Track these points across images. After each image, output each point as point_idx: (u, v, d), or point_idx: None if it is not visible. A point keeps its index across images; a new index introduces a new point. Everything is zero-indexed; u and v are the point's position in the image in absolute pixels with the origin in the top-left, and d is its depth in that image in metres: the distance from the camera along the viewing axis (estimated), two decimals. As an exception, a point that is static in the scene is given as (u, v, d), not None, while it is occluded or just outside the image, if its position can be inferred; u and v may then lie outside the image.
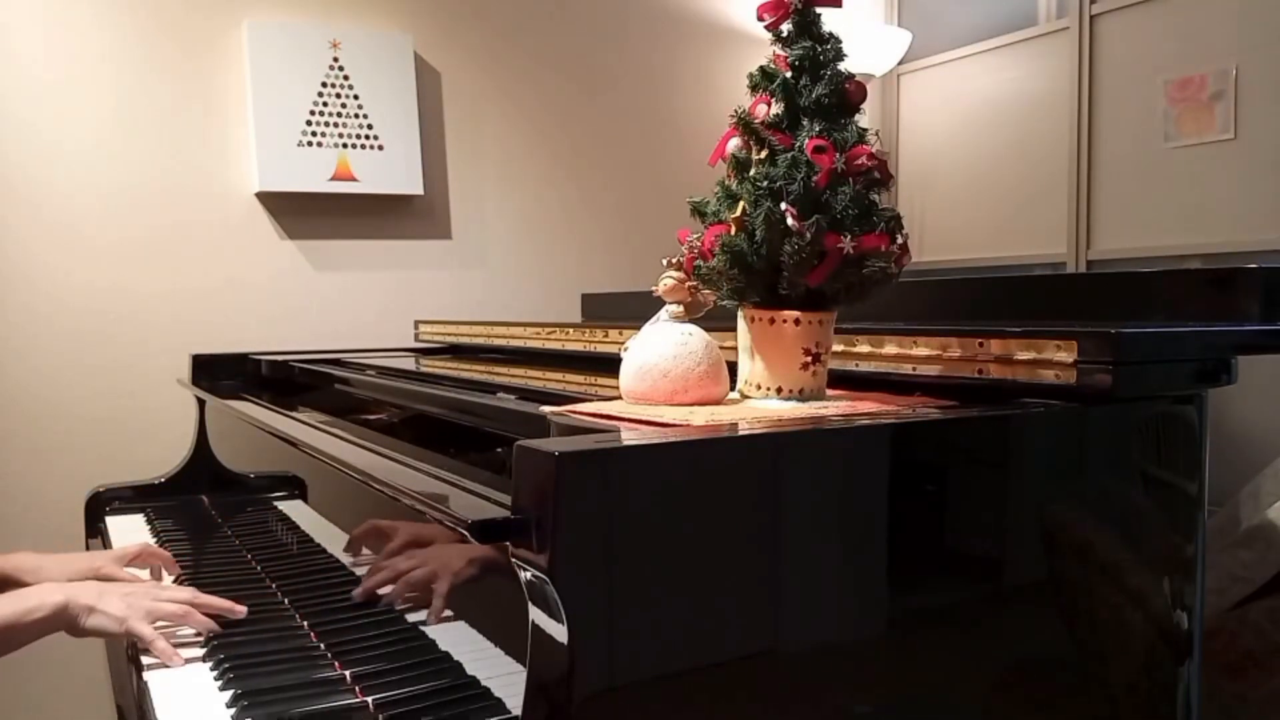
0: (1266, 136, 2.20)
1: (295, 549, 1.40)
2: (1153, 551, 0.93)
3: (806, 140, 0.86)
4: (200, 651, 1.09)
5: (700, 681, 0.69)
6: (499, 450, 1.10)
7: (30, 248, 2.16)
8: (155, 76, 2.28)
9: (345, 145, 2.40)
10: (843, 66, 0.90)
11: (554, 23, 2.74)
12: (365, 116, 2.43)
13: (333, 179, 2.39)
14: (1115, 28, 2.52)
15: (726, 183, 0.91)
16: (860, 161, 0.86)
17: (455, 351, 2.17)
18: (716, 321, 0.92)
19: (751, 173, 0.88)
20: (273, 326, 2.39)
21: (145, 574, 1.36)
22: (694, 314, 0.92)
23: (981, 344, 0.90)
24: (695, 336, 0.89)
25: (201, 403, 1.98)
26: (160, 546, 1.49)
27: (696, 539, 0.69)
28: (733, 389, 0.94)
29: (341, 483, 1.16)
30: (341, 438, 1.22)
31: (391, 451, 1.08)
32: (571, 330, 1.57)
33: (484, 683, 0.88)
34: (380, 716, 0.91)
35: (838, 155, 0.85)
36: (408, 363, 1.93)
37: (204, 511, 1.84)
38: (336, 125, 2.40)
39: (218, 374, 2.05)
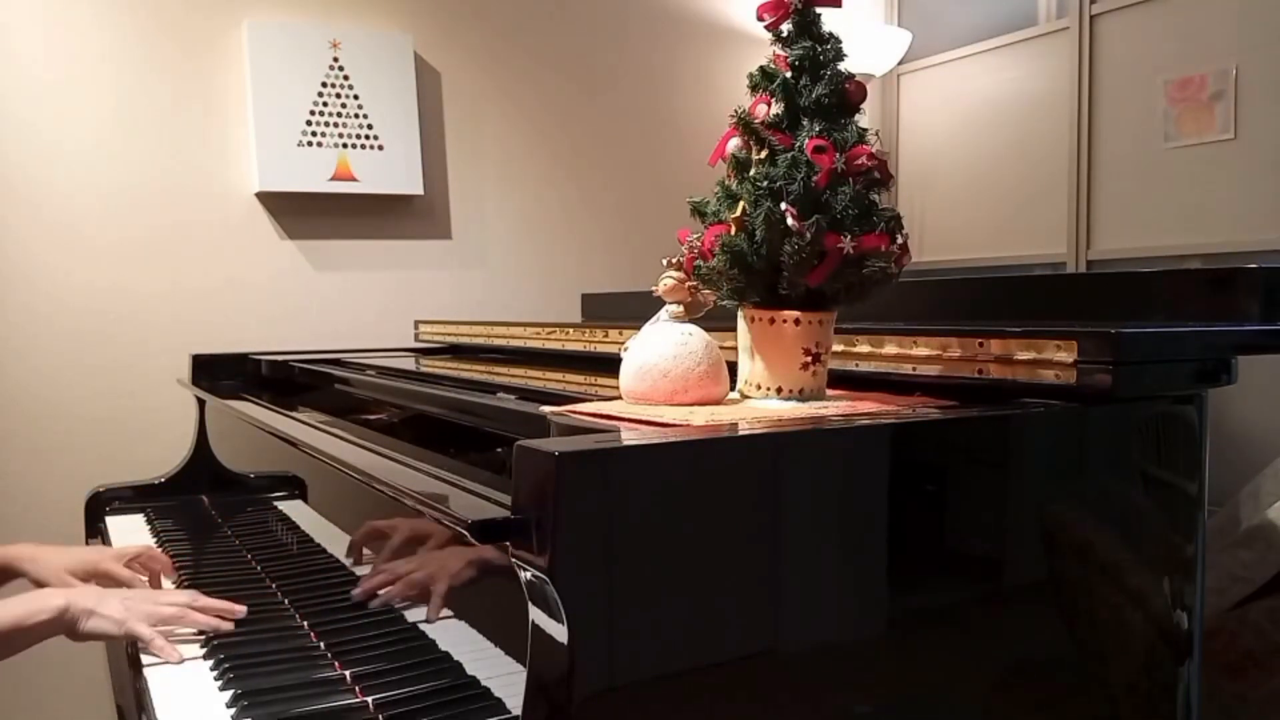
0: (1266, 136, 2.20)
1: (295, 549, 1.40)
2: (1153, 551, 0.93)
3: (806, 140, 0.86)
4: (200, 651, 1.09)
5: (700, 681, 0.69)
6: (499, 450, 1.10)
7: (30, 248, 2.16)
8: (155, 76, 2.28)
9: (345, 145, 2.40)
10: (843, 66, 0.90)
11: (554, 23, 2.74)
12: (365, 116, 2.43)
13: (333, 179, 2.39)
14: (1115, 28, 2.52)
15: (726, 183, 0.91)
16: (860, 161, 0.86)
17: (455, 351, 2.17)
18: (716, 321, 0.92)
19: (751, 173, 0.88)
20: (273, 326, 2.39)
21: (144, 576, 1.36)
22: (694, 314, 0.92)
23: (981, 344, 0.90)
24: (695, 336, 0.89)
25: (201, 403, 1.98)
26: (160, 546, 1.49)
27: (696, 539, 0.69)
28: (733, 389, 0.94)
29: (341, 483, 1.16)
30: (341, 438, 1.22)
31: (392, 451, 1.08)
32: (571, 330, 1.57)
33: (484, 683, 0.88)
34: (380, 716, 0.91)
35: (838, 155, 0.85)
36: (408, 363, 1.93)
37: (204, 511, 1.84)
38: (336, 125, 2.40)
39: (218, 374, 2.05)
